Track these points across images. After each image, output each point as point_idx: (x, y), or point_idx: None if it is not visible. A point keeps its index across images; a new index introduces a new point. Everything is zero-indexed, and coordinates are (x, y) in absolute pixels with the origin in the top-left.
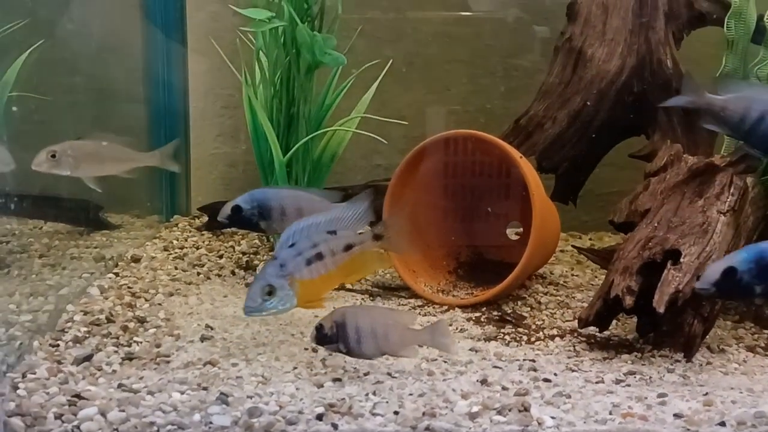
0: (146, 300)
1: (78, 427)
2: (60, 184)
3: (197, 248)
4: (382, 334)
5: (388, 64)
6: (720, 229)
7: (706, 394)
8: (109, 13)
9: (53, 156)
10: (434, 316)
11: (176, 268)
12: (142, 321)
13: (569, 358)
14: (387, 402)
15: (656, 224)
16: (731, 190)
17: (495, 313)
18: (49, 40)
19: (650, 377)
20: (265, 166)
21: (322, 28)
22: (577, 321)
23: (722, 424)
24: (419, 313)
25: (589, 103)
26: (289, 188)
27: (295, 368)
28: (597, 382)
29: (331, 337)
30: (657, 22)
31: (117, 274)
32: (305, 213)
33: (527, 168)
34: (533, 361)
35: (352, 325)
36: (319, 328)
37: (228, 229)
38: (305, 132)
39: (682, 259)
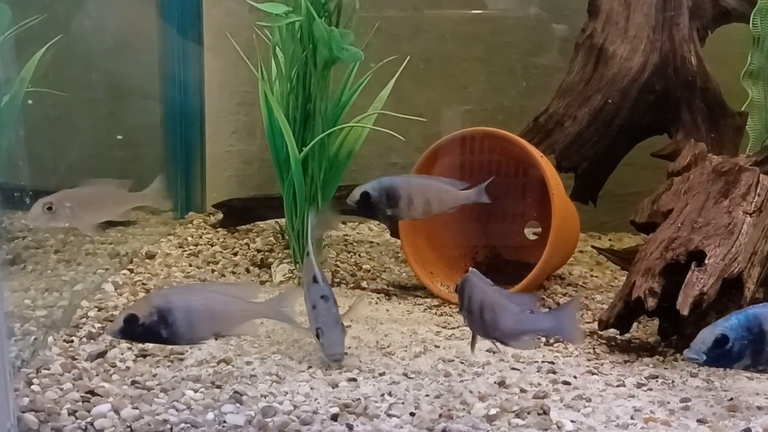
0: None
1: (91, 423)
2: (76, 181)
3: (212, 245)
4: (221, 312)
5: (405, 61)
6: (746, 230)
7: (731, 399)
8: (125, 10)
9: (49, 208)
10: (451, 315)
11: (190, 265)
12: None
13: (589, 360)
14: (403, 403)
15: (680, 225)
16: (758, 190)
17: None
18: (66, 36)
19: (673, 381)
20: (281, 162)
21: (339, 23)
22: (597, 323)
23: (747, 430)
24: (435, 314)
25: (610, 102)
26: (417, 177)
27: (310, 367)
28: (618, 386)
29: (150, 326)
30: (681, 18)
31: (131, 271)
32: (432, 202)
33: (547, 167)
34: (552, 363)
35: (181, 308)
36: (131, 318)
37: (243, 226)
38: (321, 129)
39: (706, 261)
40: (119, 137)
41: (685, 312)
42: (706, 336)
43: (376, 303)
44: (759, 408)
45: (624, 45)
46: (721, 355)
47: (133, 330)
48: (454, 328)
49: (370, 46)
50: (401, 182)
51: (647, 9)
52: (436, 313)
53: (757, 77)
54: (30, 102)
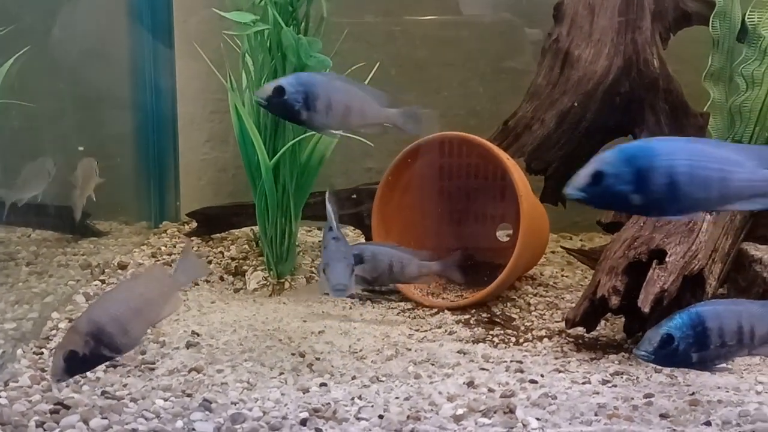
0: None
1: None
2: (47, 192)
3: None
4: (145, 305)
5: (375, 67)
6: (706, 228)
7: (693, 393)
8: (96, 18)
9: None
10: (423, 318)
11: None
12: None
13: (557, 359)
14: (372, 406)
15: (642, 224)
16: None
17: (484, 315)
18: (36, 46)
19: (637, 377)
20: (253, 170)
21: (308, 31)
22: (564, 321)
23: (708, 423)
24: (408, 317)
25: (576, 104)
26: (343, 79)
27: (281, 374)
28: (583, 383)
29: (92, 353)
30: (643, 22)
31: (103, 282)
32: (353, 111)
33: (515, 170)
34: (520, 362)
35: (110, 321)
36: (71, 356)
37: (217, 235)
38: (292, 135)
39: (667, 259)
40: (81, 149)
41: (646, 309)
42: (651, 336)
43: (350, 308)
44: (719, 401)
45: (589, 49)
46: (667, 355)
47: (77, 365)
48: (426, 331)
49: (343, 53)
50: (322, 80)
51: (611, 13)
52: (409, 317)
53: (718, 78)
54: None
